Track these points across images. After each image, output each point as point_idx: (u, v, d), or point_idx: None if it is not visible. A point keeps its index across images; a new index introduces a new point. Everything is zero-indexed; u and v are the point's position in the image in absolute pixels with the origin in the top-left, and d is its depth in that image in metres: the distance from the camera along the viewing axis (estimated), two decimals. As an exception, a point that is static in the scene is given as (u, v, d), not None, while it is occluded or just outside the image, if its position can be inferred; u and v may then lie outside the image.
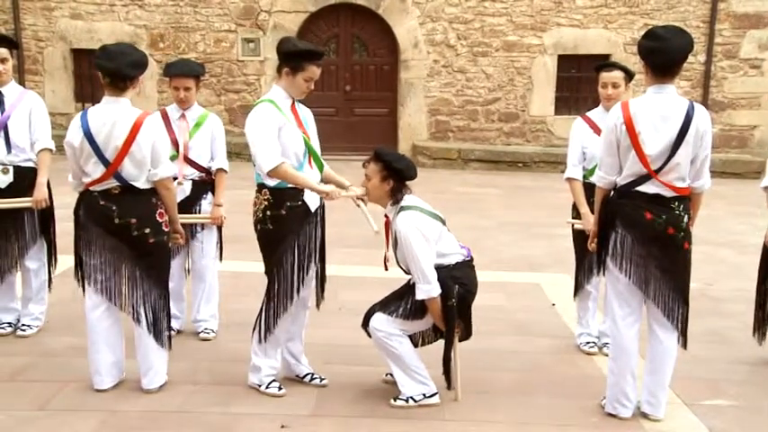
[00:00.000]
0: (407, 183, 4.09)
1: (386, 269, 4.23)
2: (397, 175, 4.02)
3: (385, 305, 4.13)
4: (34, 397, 4.10)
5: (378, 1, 13.88)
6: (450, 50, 14.06)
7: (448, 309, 3.99)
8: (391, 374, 4.19)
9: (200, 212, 4.97)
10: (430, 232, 3.98)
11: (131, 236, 4.01)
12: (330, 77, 14.10)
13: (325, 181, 4.25)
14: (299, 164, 4.04)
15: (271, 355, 4.24)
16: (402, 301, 4.09)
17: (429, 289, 3.94)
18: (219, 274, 5.22)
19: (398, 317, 4.07)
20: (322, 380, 4.37)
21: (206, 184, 4.99)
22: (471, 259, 4.19)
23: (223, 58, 14.08)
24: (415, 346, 4.20)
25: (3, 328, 5.01)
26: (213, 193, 5.00)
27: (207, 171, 4.98)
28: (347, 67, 14.29)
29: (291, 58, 4.00)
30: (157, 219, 4.09)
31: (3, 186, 4.79)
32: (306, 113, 4.22)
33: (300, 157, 4.05)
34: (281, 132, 3.97)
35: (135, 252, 4.04)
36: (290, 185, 3.99)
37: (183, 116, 4.92)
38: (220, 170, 4.98)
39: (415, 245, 3.92)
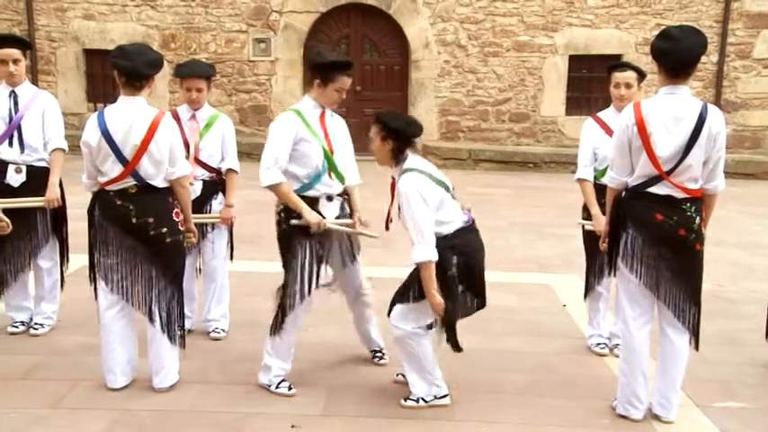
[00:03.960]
0: (414, 142, 4.01)
1: (387, 228, 4.17)
2: (395, 135, 3.96)
3: (401, 294, 4.07)
4: (47, 395, 4.12)
5: (388, 1, 13.88)
6: (461, 51, 14.05)
7: (448, 279, 3.91)
8: (402, 375, 4.18)
9: (210, 213, 4.98)
10: (431, 197, 3.88)
11: (149, 235, 4.03)
12: (341, 78, 14.09)
13: (348, 197, 4.36)
14: (316, 174, 4.15)
15: (282, 356, 4.26)
16: (412, 285, 4.03)
17: (425, 250, 3.82)
18: (230, 273, 5.23)
19: (412, 301, 4.00)
20: (381, 358, 4.65)
21: (216, 184, 5.00)
22: (472, 223, 4.07)
23: (234, 59, 14.13)
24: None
25: (16, 326, 5.05)
26: (223, 194, 5.01)
27: (217, 172, 4.99)
28: (358, 67, 14.25)
29: (322, 69, 4.11)
30: (174, 218, 4.11)
31: (16, 186, 4.81)
32: (337, 124, 4.32)
33: (319, 168, 4.15)
34: (301, 144, 4.09)
35: (151, 251, 4.06)
36: (306, 194, 4.14)
37: (193, 117, 4.94)
38: (231, 171, 4.99)
39: (414, 206, 3.84)
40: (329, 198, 4.23)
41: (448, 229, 3.94)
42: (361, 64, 14.26)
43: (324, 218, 4.14)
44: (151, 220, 4.03)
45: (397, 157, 4.00)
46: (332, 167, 4.20)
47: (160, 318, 4.13)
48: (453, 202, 4.03)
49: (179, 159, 4.11)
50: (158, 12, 14.03)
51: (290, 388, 4.23)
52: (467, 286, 3.99)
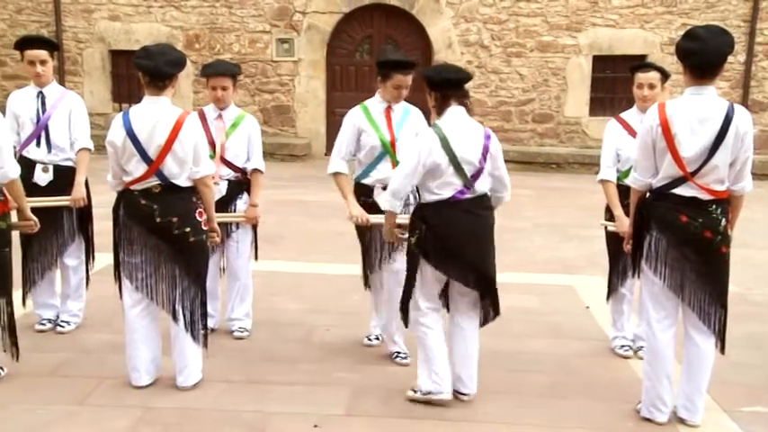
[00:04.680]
0: (459, 91, 3.95)
1: None
2: (431, 84, 3.98)
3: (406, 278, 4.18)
4: (73, 392, 4.16)
5: (411, 1, 13.88)
6: (484, 51, 14.02)
7: (410, 244, 4.03)
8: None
9: (235, 212, 5.00)
10: (427, 158, 3.85)
11: (172, 234, 4.05)
12: (363, 78, 14.14)
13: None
14: (372, 160, 4.54)
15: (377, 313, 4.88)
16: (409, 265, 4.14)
17: (390, 201, 4.00)
18: (254, 273, 5.25)
19: (416, 280, 4.07)
20: (405, 357, 4.70)
21: (241, 184, 5.03)
22: (460, 200, 3.91)
23: (257, 59, 14.19)
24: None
25: (43, 324, 5.10)
26: (248, 194, 5.03)
27: (243, 171, 5.01)
28: (380, 67, 14.29)
29: (381, 67, 4.58)
30: (197, 218, 4.14)
31: (43, 185, 4.88)
32: (407, 117, 4.60)
33: (373, 156, 4.52)
34: (362, 135, 4.58)
35: (174, 251, 4.09)
36: (362, 181, 4.60)
37: (219, 116, 4.96)
38: (256, 171, 5.01)
39: (410, 158, 3.91)
40: (384, 188, 4.39)
41: (429, 198, 3.95)
42: (384, 64, 14.26)
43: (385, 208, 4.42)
44: (175, 219, 4.06)
45: (438, 105, 3.99)
46: (392, 158, 4.48)
47: (183, 317, 4.16)
48: (454, 176, 3.89)
49: (203, 159, 4.13)
50: (183, 12, 14.13)
51: (375, 338, 4.92)
52: (435, 261, 3.94)
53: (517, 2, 13.88)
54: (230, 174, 4.96)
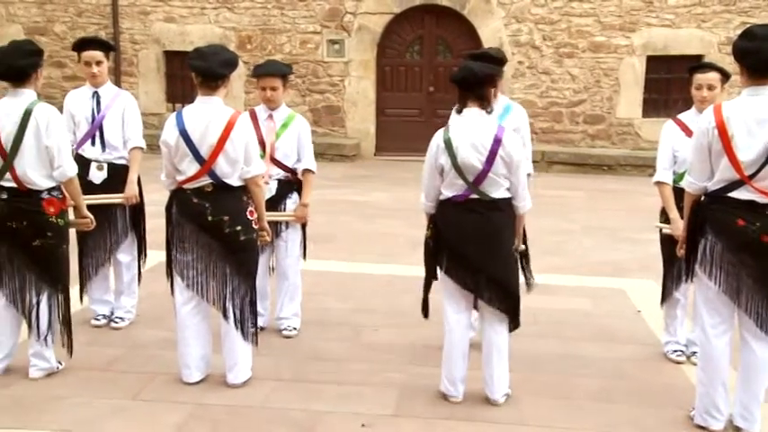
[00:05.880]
0: (474, 93, 3.93)
1: None
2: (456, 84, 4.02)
3: None
4: (126, 387, 4.25)
5: (462, 2, 13.82)
6: (536, 51, 13.87)
7: (426, 237, 4.14)
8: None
9: (284, 212, 5.04)
10: (435, 161, 3.97)
11: (223, 233, 4.11)
12: (414, 79, 14.14)
13: None
14: None
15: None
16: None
17: (422, 201, 4.14)
18: (303, 272, 5.28)
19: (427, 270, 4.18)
20: None
21: (291, 184, 5.06)
22: (460, 201, 3.95)
23: (308, 60, 14.28)
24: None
25: (98, 319, 5.22)
26: (298, 194, 5.07)
27: (292, 171, 5.05)
28: (431, 68, 14.26)
29: None
30: (248, 217, 4.18)
31: (97, 182, 4.99)
32: (506, 116, 4.61)
33: None
34: None
35: (226, 249, 4.14)
36: None
37: (270, 116, 5.01)
38: (307, 171, 5.04)
39: (426, 158, 4.05)
40: None
41: (440, 197, 4.04)
42: (435, 65, 14.23)
43: None
44: (226, 218, 4.11)
45: (459, 105, 4.03)
46: None
47: (234, 314, 4.21)
48: (457, 178, 3.93)
49: (254, 158, 4.18)
50: (235, 14, 14.31)
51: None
52: (444, 257, 4.03)
53: (569, 2, 13.70)
54: (280, 173, 5.00)
